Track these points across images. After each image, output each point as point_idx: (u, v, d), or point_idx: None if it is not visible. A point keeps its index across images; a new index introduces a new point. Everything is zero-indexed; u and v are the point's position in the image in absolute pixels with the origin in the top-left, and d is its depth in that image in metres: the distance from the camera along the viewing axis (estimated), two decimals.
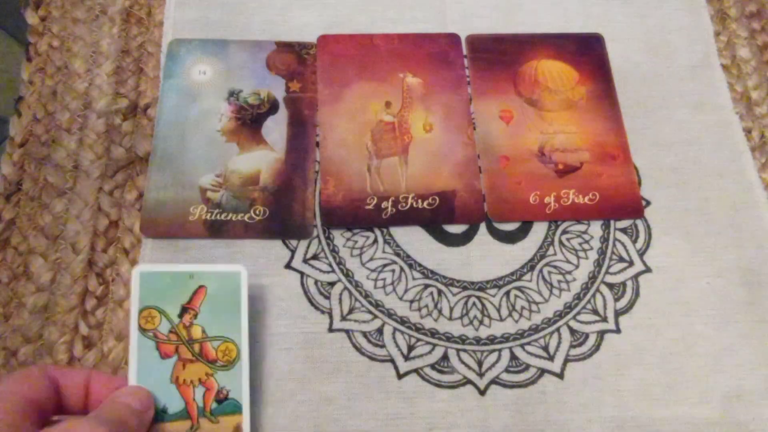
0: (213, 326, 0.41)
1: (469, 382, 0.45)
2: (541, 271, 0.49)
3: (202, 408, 0.40)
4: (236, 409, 0.40)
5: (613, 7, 0.60)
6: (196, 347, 0.41)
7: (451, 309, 0.47)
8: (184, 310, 0.41)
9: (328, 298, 0.48)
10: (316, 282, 0.48)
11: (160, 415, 0.39)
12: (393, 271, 0.49)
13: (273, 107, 0.53)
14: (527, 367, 0.46)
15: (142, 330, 0.40)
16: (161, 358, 0.40)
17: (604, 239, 0.50)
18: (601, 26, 0.58)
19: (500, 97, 0.55)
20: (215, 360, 0.41)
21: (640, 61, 0.57)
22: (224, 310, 0.41)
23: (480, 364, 0.46)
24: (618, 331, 0.47)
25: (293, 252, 0.49)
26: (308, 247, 0.49)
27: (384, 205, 0.50)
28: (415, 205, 0.50)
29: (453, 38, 0.57)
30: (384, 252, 0.49)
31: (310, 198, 0.50)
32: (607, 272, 0.49)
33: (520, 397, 0.45)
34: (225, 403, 0.40)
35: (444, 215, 0.50)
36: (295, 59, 0.55)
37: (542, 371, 0.46)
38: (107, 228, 0.50)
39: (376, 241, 0.50)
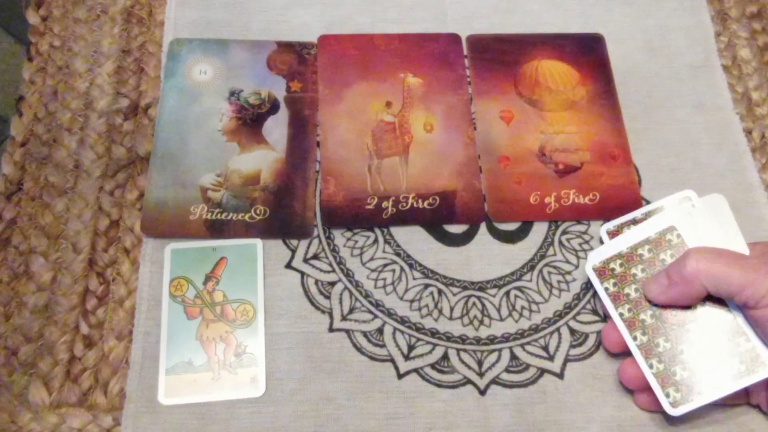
0: (233, 290, 0.47)
1: (469, 381, 0.45)
2: (541, 271, 0.49)
3: (223, 361, 0.45)
4: (252, 362, 0.44)
5: (613, 7, 0.60)
6: (218, 309, 0.46)
7: (452, 309, 0.48)
8: (207, 278, 0.47)
9: (328, 297, 0.48)
10: (316, 282, 0.48)
11: (186, 367, 0.44)
12: (393, 271, 0.49)
13: (273, 107, 0.53)
14: (527, 367, 0.46)
15: (172, 296, 0.46)
16: (188, 319, 0.46)
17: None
18: (601, 26, 0.58)
19: (501, 97, 0.55)
20: (234, 319, 0.46)
21: (640, 61, 0.57)
22: (243, 276, 0.47)
23: (480, 363, 0.46)
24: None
25: (294, 252, 0.49)
26: (309, 246, 0.49)
27: (384, 204, 0.50)
28: (415, 205, 0.50)
29: (453, 38, 0.57)
30: (384, 252, 0.49)
31: (311, 198, 0.50)
32: None
33: (520, 397, 0.45)
34: (242, 357, 0.45)
35: (444, 215, 0.50)
36: (295, 59, 0.55)
37: (542, 371, 0.46)
38: (108, 227, 0.50)
39: (376, 240, 0.50)
